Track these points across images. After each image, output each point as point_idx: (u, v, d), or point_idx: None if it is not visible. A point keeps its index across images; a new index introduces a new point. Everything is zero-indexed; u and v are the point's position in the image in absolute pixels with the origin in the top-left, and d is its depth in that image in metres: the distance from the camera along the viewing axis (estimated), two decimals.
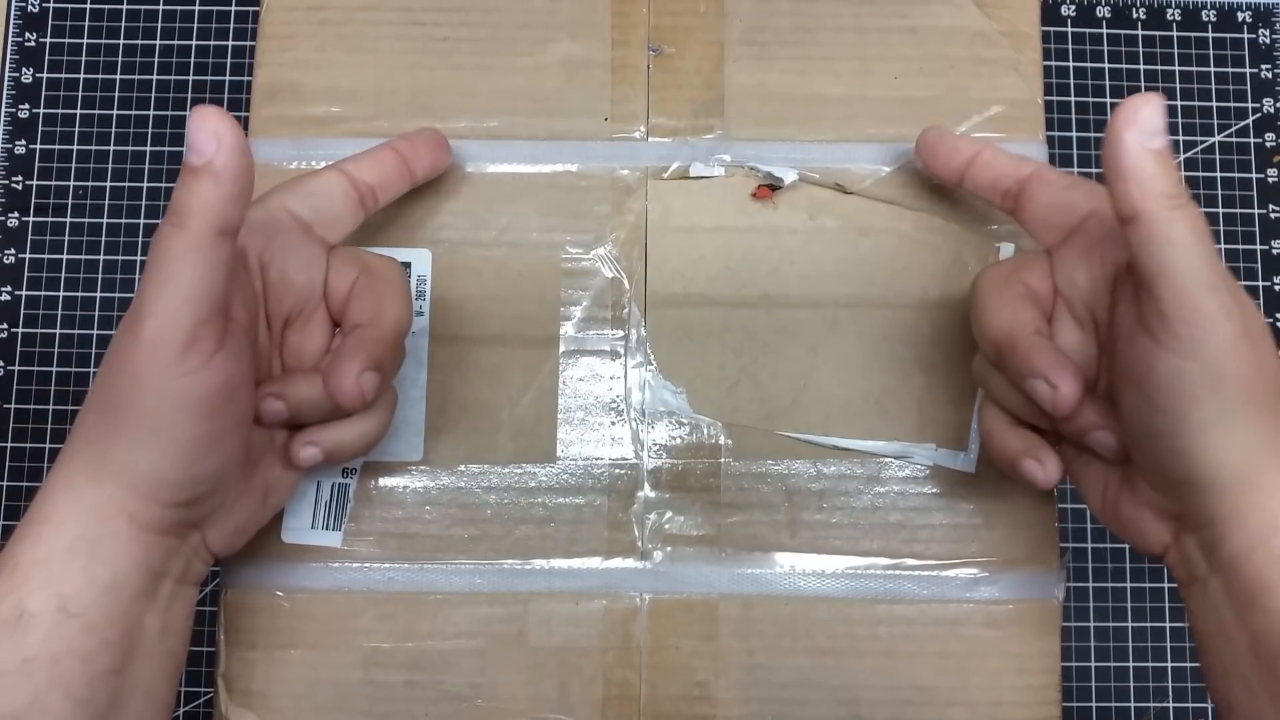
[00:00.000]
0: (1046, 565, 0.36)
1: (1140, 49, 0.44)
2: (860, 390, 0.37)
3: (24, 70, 0.44)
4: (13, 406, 0.41)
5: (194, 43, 0.44)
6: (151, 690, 0.28)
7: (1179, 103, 0.43)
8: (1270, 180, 0.43)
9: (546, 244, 0.37)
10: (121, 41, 0.44)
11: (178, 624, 0.29)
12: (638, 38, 0.39)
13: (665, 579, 0.36)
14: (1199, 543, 0.28)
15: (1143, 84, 0.43)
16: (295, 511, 0.36)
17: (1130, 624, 0.40)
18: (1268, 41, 0.44)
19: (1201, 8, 0.44)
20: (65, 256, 0.42)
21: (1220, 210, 0.43)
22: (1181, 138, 0.43)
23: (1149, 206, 0.26)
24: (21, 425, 0.41)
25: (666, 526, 0.36)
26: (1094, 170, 0.43)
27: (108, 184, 0.43)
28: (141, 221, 0.42)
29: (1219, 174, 0.43)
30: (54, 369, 0.41)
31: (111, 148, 0.43)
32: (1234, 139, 0.43)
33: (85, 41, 0.44)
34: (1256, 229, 0.43)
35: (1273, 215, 0.43)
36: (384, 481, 0.36)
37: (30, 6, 0.44)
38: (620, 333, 0.37)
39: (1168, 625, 0.40)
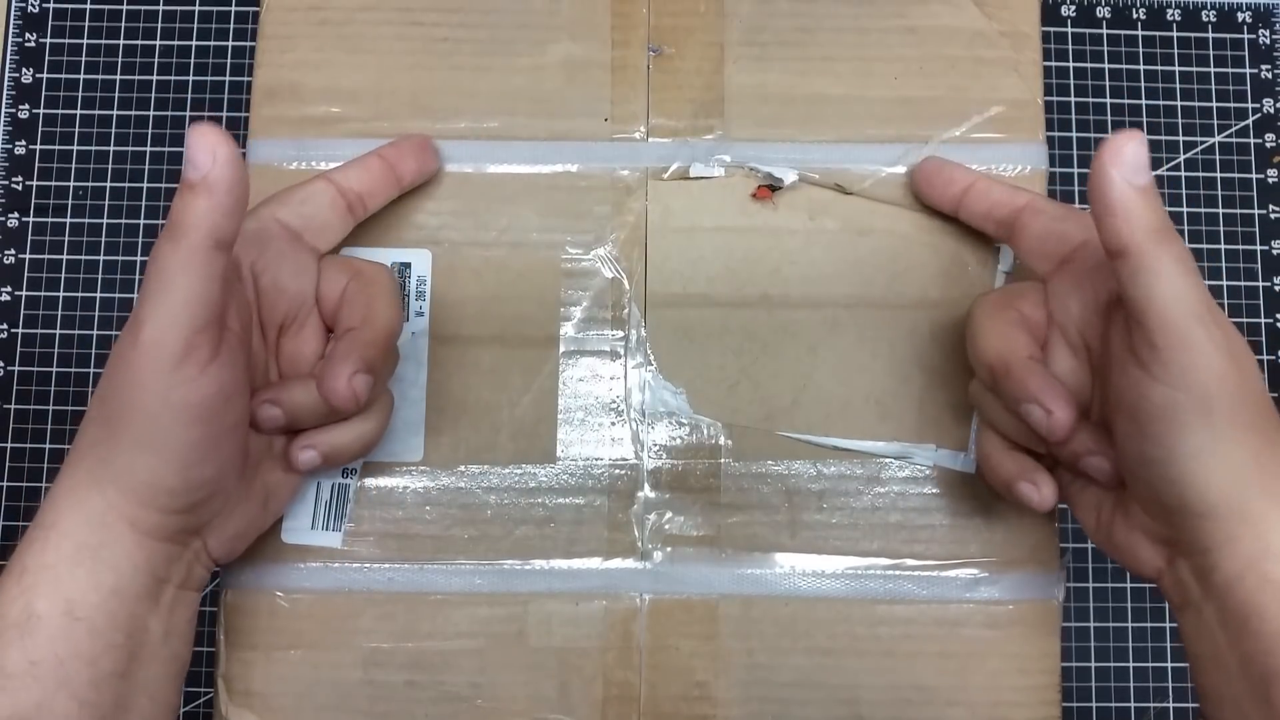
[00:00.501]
0: (1046, 565, 0.36)
1: (1140, 49, 0.44)
2: (860, 390, 0.37)
3: (24, 71, 0.44)
4: (13, 406, 0.41)
5: (194, 43, 0.44)
6: (156, 692, 0.29)
7: (1179, 103, 0.43)
8: (1270, 180, 0.43)
9: (546, 244, 0.37)
10: (121, 42, 0.44)
11: (181, 628, 0.30)
12: (638, 38, 0.39)
13: (665, 579, 0.36)
14: (1192, 568, 0.28)
15: (1143, 84, 0.43)
16: (295, 512, 0.36)
17: (1130, 624, 0.40)
18: (1268, 42, 0.44)
19: (1201, 8, 0.44)
20: (65, 257, 0.42)
21: (1220, 210, 0.43)
22: (1182, 138, 0.43)
23: (1136, 240, 0.26)
24: (21, 425, 0.41)
25: (666, 527, 0.36)
26: None
27: (108, 184, 0.43)
28: (141, 222, 0.42)
29: (1219, 174, 0.43)
30: (54, 369, 0.41)
31: (111, 148, 0.43)
32: (1234, 139, 0.43)
33: (85, 42, 0.44)
34: (1256, 229, 0.43)
35: (1273, 215, 0.43)
36: (384, 482, 0.36)
37: (30, 7, 0.44)
38: (620, 333, 0.37)
39: (1168, 625, 0.40)
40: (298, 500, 0.35)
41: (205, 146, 0.26)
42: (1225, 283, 0.42)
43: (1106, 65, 0.44)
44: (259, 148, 0.38)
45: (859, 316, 0.37)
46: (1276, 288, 0.42)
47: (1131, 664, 0.40)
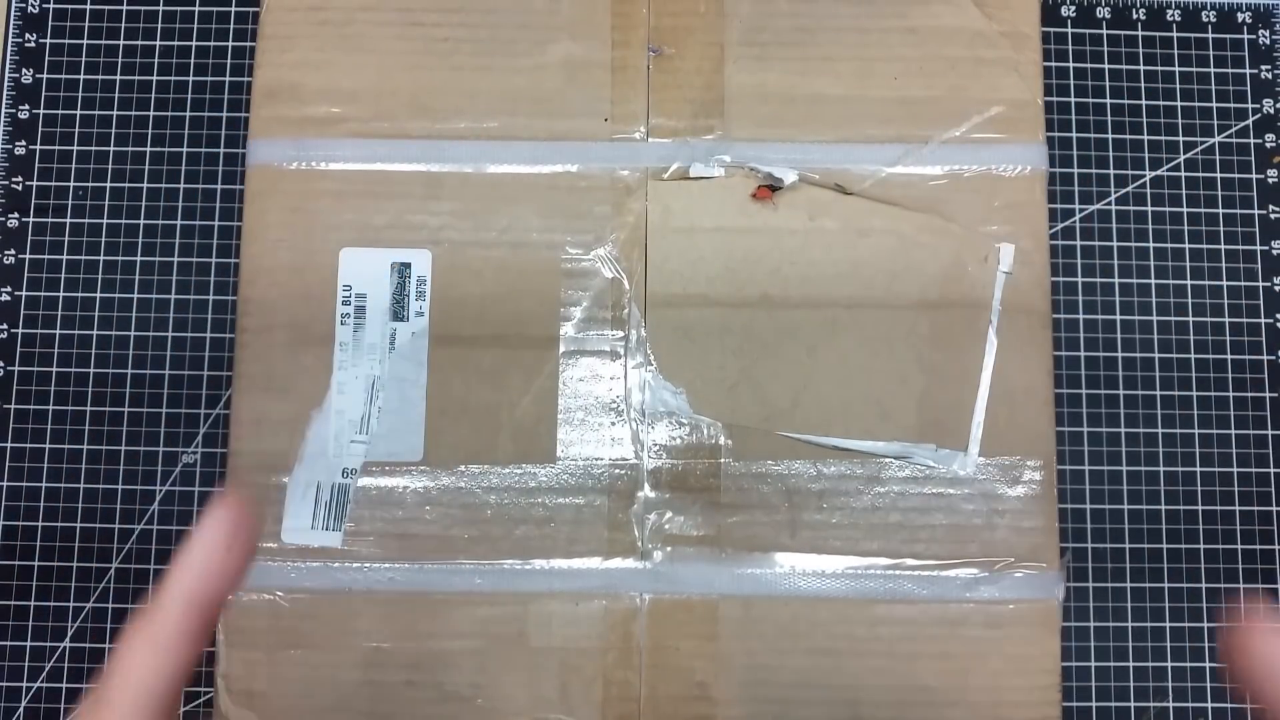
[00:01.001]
0: (1046, 565, 0.36)
1: (1140, 49, 0.44)
2: (860, 390, 0.37)
3: (24, 71, 0.44)
4: (13, 406, 0.41)
5: (194, 43, 0.44)
6: None
7: (1179, 103, 0.43)
8: (1270, 180, 0.43)
9: (546, 244, 0.37)
10: (121, 42, 0.44)
11: None
12: (638, 38, 0.39)
13: (665, 579, 0.36)
14: None
15: (1143, 84, 0.43)
16: (295, 512, 0.36)
17: (1130, 624, 0.40)
18: (1268, 42, 0.44)
19: (1201, 8, 0.44)
20: (65, 257, 0.42)
21: (1220, 210, 0.43)
22: (1182, 138, 0.43)
23: None
24: (21, 425, 0.41)
25: (666, 527, 0.36)
26: (1092, 170, 0.43)
27: (108, 184, 0.43)
28: (141, 222, 0.42)
29: (1219, 174, 0.43)
30: (54, 369, 0.41)
31: (111, 148, 0.43)
32: (1234, 139, 0.43)
33: (85, 42, 0.44)
34: (1256, 229, 0.43)
35: (1273, 215, 0.43)
36: (384, 481, 0.36)
37: (30, 7, 0.44)
38: (620, 333, 0.37)
39: (1168, 625, 0.40)
40: (298, 500, 0.35)
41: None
42: (1225, 283, 0.42)
43: (1106, 65, 0.44)
44: (259, 148, 0.38)
45: (859, 317, 0.37)
46: (1276, 288, 0.42)
47: (1131, 664, 0.40)
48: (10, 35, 0.44)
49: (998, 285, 0.37)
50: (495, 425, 0.36)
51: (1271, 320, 0.42)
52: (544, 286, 0.37)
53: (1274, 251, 0.42)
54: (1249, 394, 0.41)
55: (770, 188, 0.38)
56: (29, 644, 0.40)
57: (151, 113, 0.43)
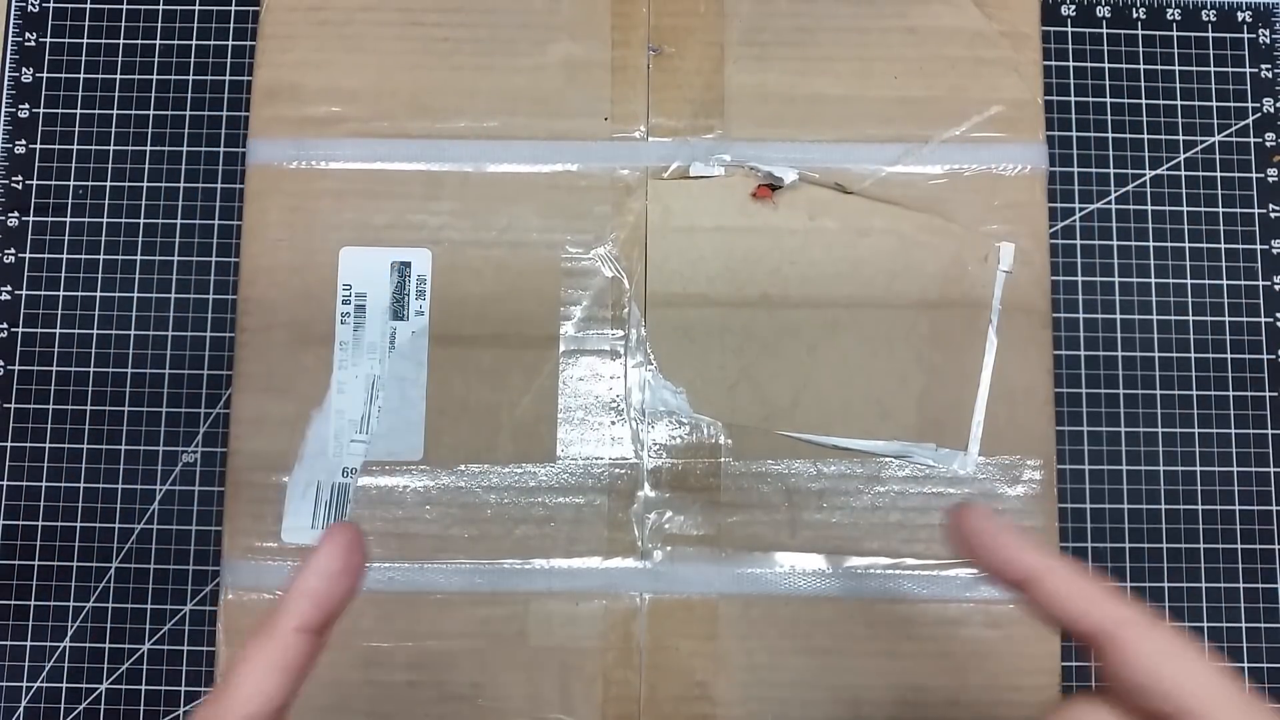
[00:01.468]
0: None
1: (1140, 49, 0.44)
2: (860, 390, 0.37)
3: (24, 70, 0.44)
4: (13, 406, 0.41)
5: (194, 43, 0.43)
6: None
7: (1179, 102, 0.43)
8: (1270, 180, 0.43)
9: (546, 244, 0.37)
10: (121, 41, 0.44)
11: None
12: (638, 38, 0.38)
13: (665, 579, 0.36)
14: None
15: (1143, 84, 0.43)
16: (295, 511, 0.36)
17: None
18: (1268, 41, 0.44)
19: (1201, 8, 0.44)
20: (65, 256, 0.42)
21: (1220, 209, 0.43)
22: (1182, 137, 0.43)
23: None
24: (21, 425, 0.41)
25: (666, 526, 0.36)
26: (1092, 170, 0.43)
27: (108, 184, 0.43)
28: (141, 221, 0.42)
29: (1219, 173, 0.43)
30: (54, 369, 0.41)
31: (111, 148, 0.43)
32: (1234, 139, 0.43)
33: (85, 41, 0.44)
34: (1256, 229, 0.43)
35: (1273, 215, 0.43)
36: (384, 481, 0.36)
37: (30, 6, 0.44)
38: (620, 332, 0.37)
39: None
40: (298, 500, 0.35)
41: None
42: (1225, 282, 0.42)
43: (1106, 65, 0.44)
44: (259, 148, 0.38)
45: (859, 316, 0.37)
46: (1276, 287, 0.42)
47: None
48: (10, 34, 0.44)
49: (998, 285, 0.37)
50: (495, 425, 0.36)
51: (1271, 320, 0.42)
52: (544, 286, 0.37)
53: (1274, 250, 0.42)
54: (1249, 394, 0.41)
55: (770, 187, 0.38)
56: (29, 644, 0.40)
57: (151, 112, 0.43)
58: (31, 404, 0.41)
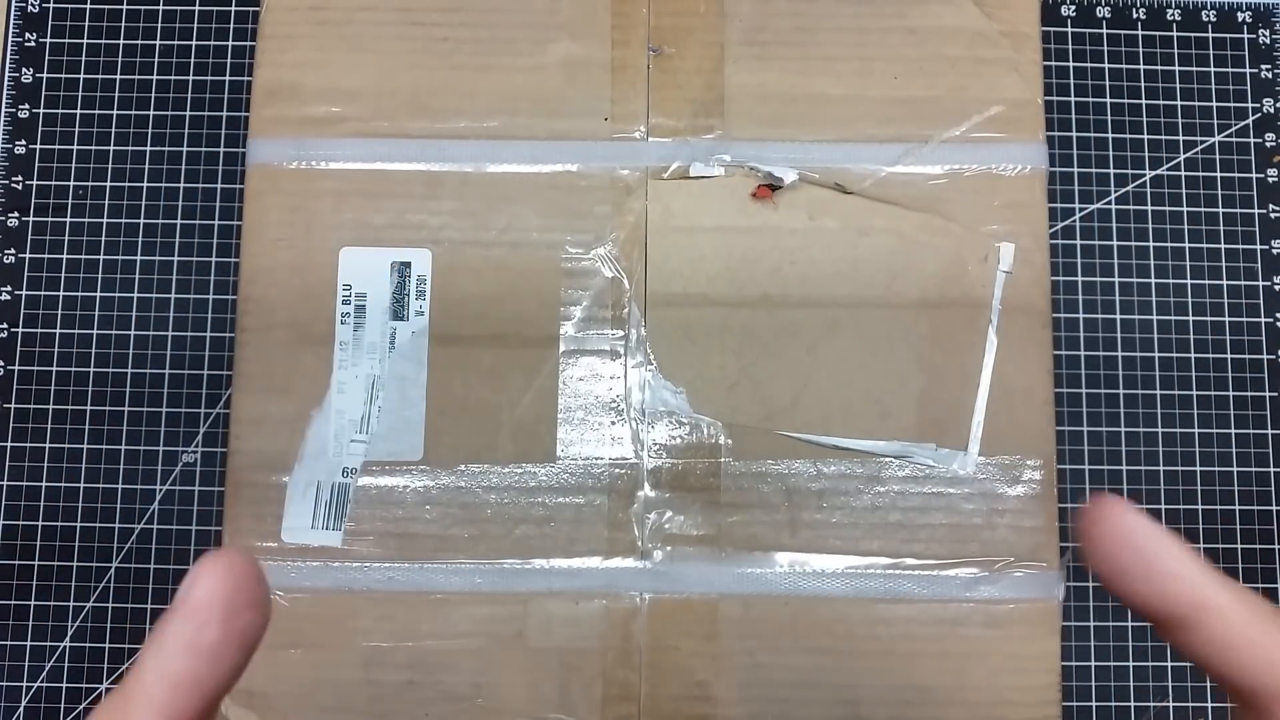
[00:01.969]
0: (1046, 565, 0.36)
1: (1140, 49, 0.44)
2: (860, 390, 0.37)
3: (24, 70, 0.44)
4: (13, 406, 0.41)
5: (194, 43, 0.44)
6: None
7: (1179, 103, 0.43)
8: (1270, 180, 0.43)
9: (546, 244, 0.37)
10: (121, 41, 0.44)
11: None
12: (638, 38, 0.39)
13: (665, 579, 0.36)
14: None
15: (1143, 84, 0.43)
16: (295, 511, 0.36)
17: (1130, 624, 0.40)
18: (1268, 41, 0.44)
19: (1201, 8, 0.44)
20: (65, 256, 0.42)
21: (1220, 210, 0.43)
22: (1182, 138, 0.43)
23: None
24: (21, 425, 0.41)
25: (666, 526, 0.36)
26: (1092, 170, 0.43)
27: (108, 184, 0.43)
28: (141, 221, 0.42)
29: (1219, 174, 0.43)
30: (54, 369, 0.41)
31: (111, 148, 0.43)
32: (1234, 139, 0.43)
33: (85, 41, 0.44)
34: (1256, 229, 0.43)
35: (1273, 215, 0.43)
36: (384, 481, 0.36)
37: (30, 6, 0.44)
38: (620, 333, 0.37)
39: None
40: (298, 500, 0.35)
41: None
42: (1225, 282, 0.42)
43: (1106, 65, 0.44)
44: (259, 148, 0.38)
45: (859, 316, 0.37)
46: (1276, 287, 0.42)
47: (1131, 664, 0.40)
48: (10, 34, 0.44)
49: (998, 284, 0.37)
50: (495, 425, 0.36)
51: (1271, 320, 0.42)
52: (544, 286, 0.37)
53: (1274, 251, 0.42)
54: (1249, 393, 0.41)
55: (770, 187, 0.38)
56: (29, 644, 0.40)
57: (151, 112, 0.43)
58: (31, 404, 0.41)
